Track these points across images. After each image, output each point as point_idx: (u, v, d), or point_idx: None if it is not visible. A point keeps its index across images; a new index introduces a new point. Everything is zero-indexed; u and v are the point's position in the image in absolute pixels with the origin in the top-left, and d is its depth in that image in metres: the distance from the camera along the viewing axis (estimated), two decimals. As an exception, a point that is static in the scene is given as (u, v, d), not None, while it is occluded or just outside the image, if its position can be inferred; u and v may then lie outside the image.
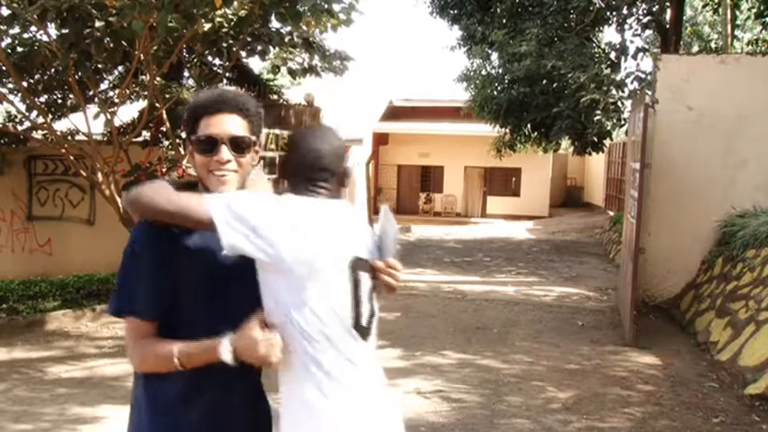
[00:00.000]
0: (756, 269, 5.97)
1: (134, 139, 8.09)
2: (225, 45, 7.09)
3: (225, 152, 1.63)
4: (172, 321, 1.62)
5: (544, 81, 12.39)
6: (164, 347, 1.58)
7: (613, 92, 11.26)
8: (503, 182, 23.63)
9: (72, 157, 7.72)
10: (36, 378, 5.13)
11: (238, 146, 1.65)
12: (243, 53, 7.51)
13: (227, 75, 8.74)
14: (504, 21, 13.15)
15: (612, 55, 12.46)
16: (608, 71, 11.49)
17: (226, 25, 6.53)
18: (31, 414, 4.35)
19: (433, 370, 5.24)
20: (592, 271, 10.34)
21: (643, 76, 11.49)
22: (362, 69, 10.85)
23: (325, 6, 5.82)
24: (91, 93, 7.78)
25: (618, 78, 11.62)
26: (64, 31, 6.04)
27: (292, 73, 7.99)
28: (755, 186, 7.24)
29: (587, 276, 9.81)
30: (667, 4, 11.70)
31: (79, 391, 4.79)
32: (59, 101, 8.40)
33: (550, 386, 4.91)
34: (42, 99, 8.23)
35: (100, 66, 7.19)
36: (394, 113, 21.93)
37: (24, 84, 7.58)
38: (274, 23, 6.73)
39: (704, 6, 15.42)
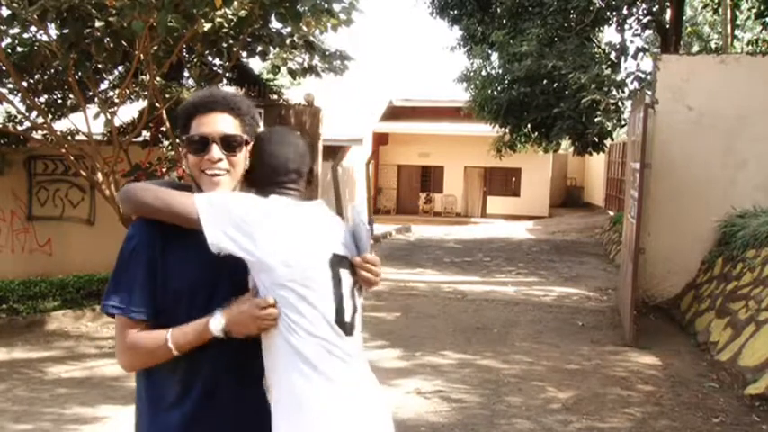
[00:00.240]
0: (756, 269, 5.97)
1: (134, 140, 8.09)
2: (225, 45, 7.09)
3: (216, 151, 1.64)
4: (156, 326, 1.63)
5: (544, 81, 12.39)
6: (156, 333, 1.59)
7: (614, 92, 11.27)
8: (503, 182, 23.63)
9: (72, 158, 7.72)
10: (36, 378, 5.13)
11: (230, 145, 1.65)
12: (243, 53, 7.51)
13: (227, 75, 8.74)
14: (505, 21, 13.15)
15: (612, 55, 12.47)
16: (608, 71, 11.50)
17: (226, 25, 6.53)
18: (31, 414, 4.35)
19: (433, 370, 5.24)
20: (592, 271, 10.34)
21: (643, 76, 11.49)
22: (362, 69, 10.85)
23: (326, 6, 5.82)
24: (91, 93, 7.78)
25: (618, 79, 11.63)
26: (64, 31, 6.04)
27: (292, 73, 7.99)
28: (755, 186, 7.24)
29: (587, 276, 9.81)
30: (667, 4, 11.70)
31: (79, 391, 4.79)
32: (59, 101, 8.39)
33: (550, 386, 4.91)
34: (42, 99, 8.23)
35: (100, 66, 7.20)
36: (394, 113, 21.93)
37: (24, 84, 7.58)
38: (274, 24, 6.73)
39: (704, 7, 15.43)
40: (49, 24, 6.18)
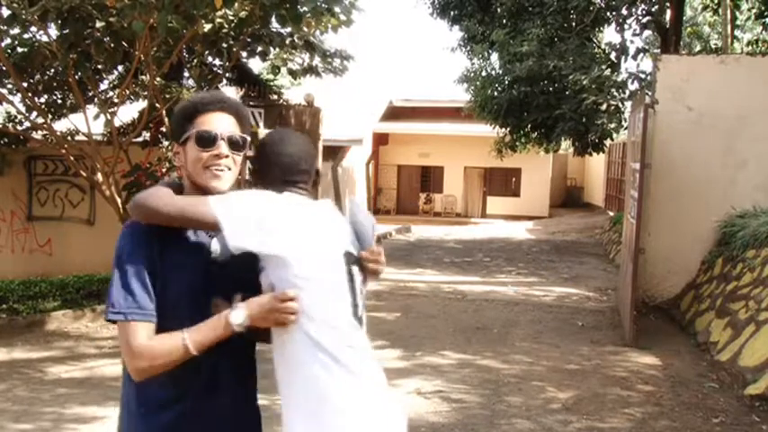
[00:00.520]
0: (756, 269, 5.97)
1: (134, 140, 8.09)
2: (225, 46, 7.09)
3: (224, 147, 1.67)
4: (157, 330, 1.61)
5: (545, 81, 12.39)
6: (171, 335, 1.57)
7: (614, 93, 11.27)
8: (503, 182, 23.63)
9: (72, 158, 7.72)
10: (36, 378, 5.13)
11: (236, 144, 1.69)
12: (243, 54, 7.52)
13: (227, 75, 8.74)
14: (505, 21, 13.15)
15: (613, 55, 12.47)
16: (608, 72, 11.49)
17: (226, 26, 6.53)
18: (31, 414, 4.35)
19: (433, 370, 5.24)
20: (592, 271, 10.34)
21: (643, 76, 11.50)
22: (362, 69, 10.85)
23: (326, 8, 5.82)
24: (91, 93, 7.78)
25: (618, 80, 11.63)
26: (64, 31, 6.04)
27: (292, 73, 7.99)
28: (755, 186, 7.24)
29: (587, 277, 9.81)
30: (667, 4, 11.70)
31: (79, 392, 4.78)
32: (59, 101, 8.39)
33: (550, 386, 4.91)
34: (42, 99, 8.23)
35: (100, 66, 7.20)
36: (394, 113, 21.92)
37: (24, 84, 7.58)
38: (274, 24, 6.73)
39: (704, 8, 15.44)
40: (49, 24, 6.18)
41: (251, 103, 8.44)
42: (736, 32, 15.72)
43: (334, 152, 12.97)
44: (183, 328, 1.58)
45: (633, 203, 6.72)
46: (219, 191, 1.66)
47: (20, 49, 6.78)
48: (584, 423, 4.22)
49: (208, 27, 6.26)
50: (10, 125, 8.58)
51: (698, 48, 18.54)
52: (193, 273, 1.63)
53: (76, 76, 6.94)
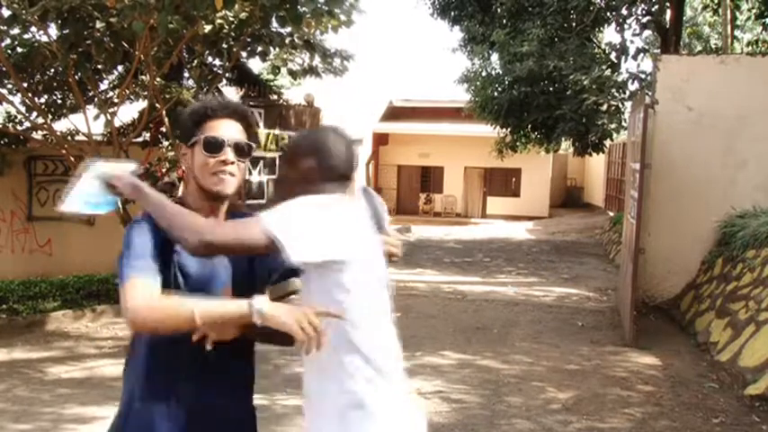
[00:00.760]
0: (756, 269, 5.97)
1: (134, 140, 8.09)
2: (225, 46, 7.09)
3: (230, 153, 1.69)
4: None
5: (545, 81, 12.39)
6: (181, 299, 1.55)
7: (614, 93, 11.27)
8: (503, 182, 23.63)
9: (72, 158, 7.72)
10: (36, 378, 5.13)
11: (242, 150, 1.72)
12: (243, 54, 7.52)
13: (227, 75, 8.75)
14: (505, 21, 13.15)
15: (613, 55, 12.47)
16: (608, 72, 11.49)
17: (226, 27, 6.53)
18: (31, 414, 4.35)
19: (433, 370, 5.24)
20: (592, 271, 10.34)
21: (643, 76, 11.49)
22: (362, 69, 10.85)
23: (326, 9, 5.82)
24: (91, 93, 7.78)
25: (619, 80, 11.62)
26: (64, 31, 6.04)
27: (293, 74, 7.99)
28: (755, 186, 7.24)
29: (587, 277, 9.81)
30: (667, 4, 11.70)
31: (79, 392, 4.78)
32: (59, 101, 8.40)
33: (550, 387, 4.91)
34: (42, 99, 8.23)
35: (100, 66, 7.20)
36: (394, 114, 21.93)
37: (24, 84, 7.58)
38: (275, 24, 6.73)
39: (704, 8, 15.44)
40: (49, 25, 6.18)
41: (251, 103, 8.44)
42: (736, 32, 15.72)
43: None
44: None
45: (633, 203, 6.72)
46: (224, 195, 1.69)
47: (20, 49, 6.78)
48: (584, 423, 4.22)
49: (208, 28, 6.26)
50: (10, 125, 8.58)
51: (698, 48, 18.54)
52: (213, 269, 1.67)
53: (76, 77, 6.94)
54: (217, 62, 8.17)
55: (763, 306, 5.38)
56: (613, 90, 11.31)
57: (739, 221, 6.87)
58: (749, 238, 6.40)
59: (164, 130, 8.08)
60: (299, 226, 1.54)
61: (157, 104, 7.48)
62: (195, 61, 7.93)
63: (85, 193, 1.69)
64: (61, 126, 8.55)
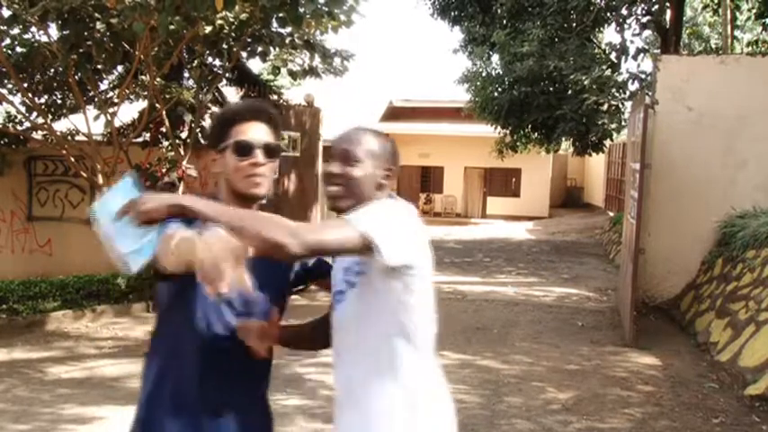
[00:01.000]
0: (756, 270, 5.97)
1: (134, 140, 8.08)
2: (225, 46, 7.09)
3: (260, 156, 1.72)
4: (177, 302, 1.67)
5: (545, 82, 12.39)
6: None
7: (615, 93, 11.27)
8: (503, 182, 23.62)
9: (72, 158, 7.72)
10: (36, 378, 5.13)
11: (272, 151, 1.75)
12: (243, 54, 7.52)
13: (227, 75, 8.74)
14: (505, 22, 13.15)
15: (613, 55, 12.47)
16: (609, 72, 11.49)
17: (226, 28, 6.53)
18: (30, 414, 4.35)
19: (432, 370, 5.23)
20: (592, 271, 10.34)
21: (643, 76, 11.49)
22: (362, 70, 10.87)
23: (326, 10, 5.83)
24: (91, 93, 7.78)
25: (619, 80, 11.63)
26: (65, 32, 6.04)
27: (293, 74, 7.99)
28: (755, 186, 7.24)
29: (587, 277, 9.81)
30: (667, 4, 11.69)
31: (79, 392, 4.79)
32: (59, 101, 8.40)
33: (550, 387, 4.91)
34: (42, 99, 8.23)
35: (99, 66, 7.20)
36: (394, 114, 21.93)
37: (24, 84, 7.58)
38: (275, 24, 6.74)
39: (704, 8, 15.44)
40: (49, 25, 6.19)
41: (251, 103, 8.43)
42: (736, 33, 15.72)
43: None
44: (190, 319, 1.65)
45: (633, 204, 6.72)
46: (258, 196, 1.73)
47: (20, 49, 6.78)
48: (584, 423, 4.22)
49: (208, 29, 6.26)
50: (10, 125, 8.58)
51: (698, 48, 18.54)
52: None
53: (76, 77, 6.94)
54: (217, 62, 8.17)
55: (763, 306, 5.38)
56: (613, 90, 11.31)
57: (739, 222, 6.87)
58: (749, 239, 6.40)
59: (164, 130, 8.08)
60: (392, 230, 1.57)
61: (157, 104, 7.48)
62: (195, 61, 7.93)
63: (128, 246, 1.52)
64: (61, 126, 8.55)
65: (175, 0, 5.18)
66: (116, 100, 8.11)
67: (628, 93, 11.67)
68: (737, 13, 14.26)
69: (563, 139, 13.76)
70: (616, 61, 12.19)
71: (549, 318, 7.15)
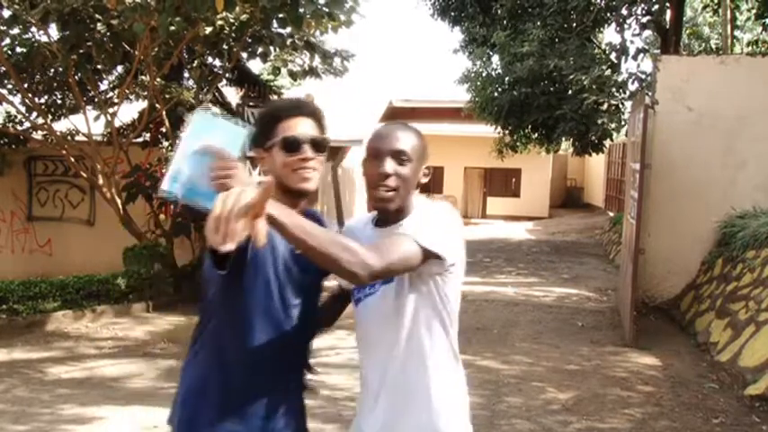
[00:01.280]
0: (756, 270, 5.97)
1: (134, 140, 8.09)
2: (225, 47, 7.10)
3: (309, 150, 1.73)
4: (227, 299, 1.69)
5: (545, 82, 12.39)
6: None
7: (615, 93, 11.27)
8: (503, 183, 23.61)
9: (72, 158, 7.73)
10: (36, 379, 5.13)
11: (319, 146, 1.76)
12: (243, 55, 7.52)
13: (227, 76, 8.75)
14: (505, 22, 13.15)
15: (613, 56, 12.47)
16: (609, 72, 11.49)
17: (227, 28, 6.53)
18: (30, 415, 4.34)
19: (432, 371, 5.23)
20: (592, 272, 10.34)
21: (643, 76, 11.49)
22: (362, 70, 10.86)
23: (326, 11, 5.83)
24: (91, 93, 7.78)
25: (619, 80, 11.62)
26: (65, 33, 6.04)
27: (293, 75, 8.00)
28: (755, 187, 7.24)
29: (587, 277, 9.81)
30: (667, 4, 11.69)
31: (79, 392, 4.78)
32: (59, 101, 8.40)
33: (550, 387, 4.91)
34: (42, 100, 8.23)
35: (99, 67, 7.20)
36: (394, 114, 21.89)
37: (24, 84, 7.58)
38: (275, 25, 6.74)
39: (704, 8, 15.43)
40: (49, 25, 6.19)
41: (251, 103, 8.44)
42: (736, 33, 15.71)
43: (334, 152, 12.95)
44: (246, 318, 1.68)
45: (633, 204, 6.72)
46: (308, 191, 1.73)
47: (20, 49, 6.78)
48: (584, 423, 4.22)
49: (209, 29, 6.26)
50: (10, 125, 8.58)
51: (698, 48, 18.54)
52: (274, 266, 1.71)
53: (76, 77, 6.94)
54: (217, 63, 8.17)
55: (763, 306, 5.38)
56: (613, 90, 11.31)
57: (739, 222, 6.87)
58: (749, 239, 6.40)
59: (164, 130, 8.08)
60: (449, 236, 1.66)
61: (157, 105, 7.48)
62: (195, 62, 7.94)
63: (186, 175, 1.41)
64: (61, 126, 8.56)
65: (176, 1, 5.19)
66: (116, 100, 8.12)
67: (628, 93, 11.67)
68: (737, 13, 14.26)
69: (563, 139, 13.75)
70: (616, 61, 12.19)
71: (549, 318, 7.15)
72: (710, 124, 7.39)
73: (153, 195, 7.96)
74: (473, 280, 9.44)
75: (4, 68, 6.93)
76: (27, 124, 8.31)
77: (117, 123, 7.96)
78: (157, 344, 6.08)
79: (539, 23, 12.14)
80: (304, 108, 1.78)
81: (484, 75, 13.96)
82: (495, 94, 13.33)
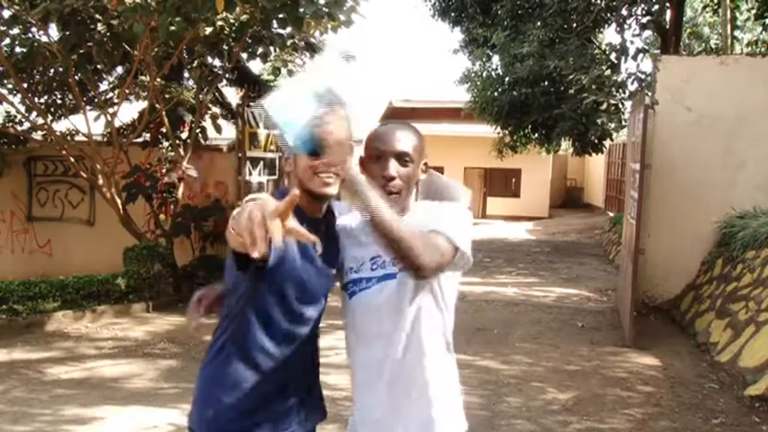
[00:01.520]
0: (756, 270, 5.97)
1: (134, 140, 8.08)
2: (225, 47, 7.09)
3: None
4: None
5: (545, 82, 12.39)
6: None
7: (614, 93, 11.26)
8: (503, 183, 23.61)
9: (72, 158, 7.72)
10: (35, 379, 5.12)
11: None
12: (243, 55, 7.52)
13: (227, 76, 8.75)
14: (505, 23, 13.15)
15: (613, 56, 12.46)
16: (608, 72, 11.49)
17: (227, 29, 6.53)
18: (29, 415, 4.34)
19: (432, 371, 5.23)
20: (592, 272, 10.34)
21: (643, 77, 11.49)
22: (362, 70, 10.84)
23: (326, 11, 5.83)
24: (91, 93, 7.78)
25: (618, 80, 11.62)
26: (66, 33, 6.04)
27: (293, 75, 7.98)
28: (755, 187, 7.24)
29: (587, 277, 9.81)
30: (667, 4, 11.69)
31: (79, 392, 4.78)
32: (59, 101, 8.40)
33: (550, 387, 4.91)
34: (42, 100, 8.23)
35: (99, 67, 7.20)
36: (394, 114, 21.89)
37: (24, 84, 7.58)
38: (275, 26, 6.74)
39: (704, 8, 15.43)
40: (49, 25, 6.19)
41: (250, 103, 8.44)
42: (736, 33, 15.70)
43: (334, 153, 12.94)
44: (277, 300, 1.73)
45: (633, 204, 6.72)
46: (328, 196, 1.75)
47: (20, 49, 6.78)
48: (584, 424, 4.22)
49: (209, 30, 6.26)
50: (10, 125, 8.57)
51: (698, 48, 18.53)
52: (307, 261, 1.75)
53: (76, 77, 6.94)
54: (217, 63, 8.17)
55: (762, 307, 5.38)
56: (612, 89, 11.30)
57: (739, 222, 6.87)
58: (749, 239, 6.40)
59: (164, 130, 8.08)
60: (469, 237, 1.72)
61: (157, 105, 7.48)
62: (195, 62, 7.94)
63: (295, 116, 1.48)
64: (61, 126, 8.56)
65: (176, 1, 5.19)
66: (116, 100, 8.12)
67: (627, 92, 11.67)
68: (737, 13, 14.25)
69: (562, 138, 13.74)
70: (616, 62, 12.19)
71: (549, 318, 7.15)
72: (710, 124, 7.39)
73: (153, 195, 7.96)
74: (473, 280, 9.44)
75: (3, 68, 6.92)
76: (27, 124, 8.31)
77: (117, 123, 7.96)
78: (157, 344, 6.08)
79: (539, 24, 12.14)
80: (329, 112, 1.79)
81: (484, 75, 13.96)
82: (495, 94, 13.33)
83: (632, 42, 12.54)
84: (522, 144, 15.65)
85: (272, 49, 7.25)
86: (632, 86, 11.63)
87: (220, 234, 8.23)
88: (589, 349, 5.96)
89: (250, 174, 8.59)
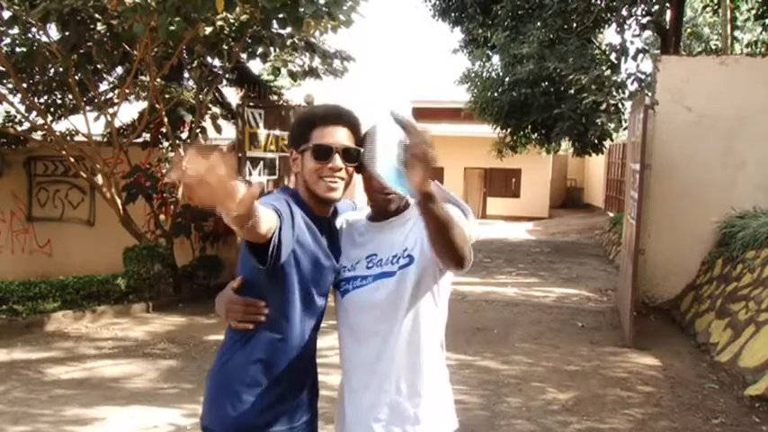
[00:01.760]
0: (756, 270, 5.97)
1: (134, 141, 8.09)
2: (225, 47, 7.09)
3: (339, 160, 1.76)
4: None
5: (545, 83, 12.38)
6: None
7: (614, 93, 11.26)
8: (503, 183, 23.61)
9: (72, 159, 7.72)
10: (35, 379, 5.12)
11: (350, 156, 1.78)
12: (243, 55, 7.52)
13: (227, 76, 8.75)
14: (506, 23, 13.15)
15: (613, 56, 12.46)
16: (608, 72, 11.49)
17: (227, 29, 6.53)
18: (29, 415, 4.34)
19: (432, 371, 5.23)
20: (592, 272, 10.34)
21: (643, 77, 11.49)
22: (362, 70, 10.85)
23: (326, 11, 5.83)
24: (91, 94, 7.78)
25: (618, 80, 11.62)
26: (65, 33, 6.04)
27: (293, 75, 8.00)
28: (755, 187, 7.24)
29: (587, 277, 9.81)
30: (667, 5, 11.69)
31: (79, 393, 4.78)
32: (59, 101, 8.40)
33: (550, 387, 4.91)
34: (42, 100, 8.23)
35: (99, 67, 7.20)
36: (394, 114, 21.89)
37: (24, 84, 7.58)
38: (275, 26, 6.74)
39: (704, 8, 15.43)
40: (49, 25, 6.19)
41: (250, 103, 8.44)
42: (736, 33, 15.70)
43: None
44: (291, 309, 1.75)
45: (633, 204, 6.72)
46: (333, 200, 1.78)
47: (20, 49, 6.78)
48: (584, 424, 4.22)
49: (209, 30, 6.26)
50: (10, 125, 8.57)
51: (698, 48, 18.53)
52: (316, 266, 1.78)
53: (76, 77, 6.94)
54: (217, 63, 8.17)
55: (762, 307, 5.38)
56: (612, 89, 11.30)
57: (739, 222, 6.87)
58: (749, 239, 6.40)
59: (164, 130, 8.08)
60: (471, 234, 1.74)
61: (157, 105, 7.48)
62: (195, 62, 7.94)
63: (391, 163, 1.58)
64: (61, 126, 8.56)
65: (176, 1, 5.19)
66: (116, 100, 8.12)
67: (627, 93, 11.66)
68: (737, 14, 14.25)
69: (562, 138, 13.75)
70: (616, 62, 12.18)
71: (549, 318, 7.15)
72: (710, 125, 7.39)
73: (153, 195, 7.96)
74: (473, 280, 9.44)
75: (4, 68, 6.92)
76: (27, 124, 8.31)
77: (117, 123, 7.96)
78: (157, 344, 6.08)
79: (539, 24, 12.14)
80: (342, 117, 1.80)
81: (484, 75, 13.96)
82: (495, 94, 13.33)
83: (632, 42, 12.55)
84: (522, 144, 15.65)
85: (271, 49, 7.25)
86: (632, 87, 11.63)
87: (220, 234, 8.23)
88: (589, 349, 5.96)
89: (250, 174, 8.59)
